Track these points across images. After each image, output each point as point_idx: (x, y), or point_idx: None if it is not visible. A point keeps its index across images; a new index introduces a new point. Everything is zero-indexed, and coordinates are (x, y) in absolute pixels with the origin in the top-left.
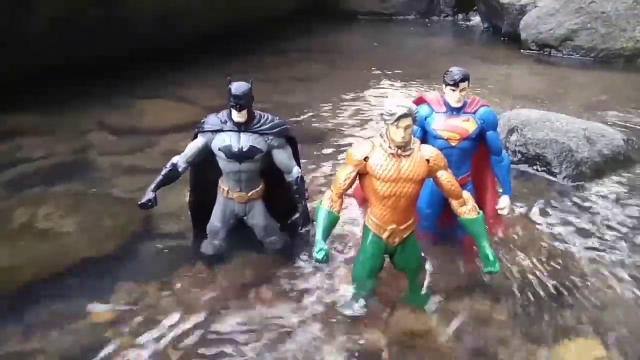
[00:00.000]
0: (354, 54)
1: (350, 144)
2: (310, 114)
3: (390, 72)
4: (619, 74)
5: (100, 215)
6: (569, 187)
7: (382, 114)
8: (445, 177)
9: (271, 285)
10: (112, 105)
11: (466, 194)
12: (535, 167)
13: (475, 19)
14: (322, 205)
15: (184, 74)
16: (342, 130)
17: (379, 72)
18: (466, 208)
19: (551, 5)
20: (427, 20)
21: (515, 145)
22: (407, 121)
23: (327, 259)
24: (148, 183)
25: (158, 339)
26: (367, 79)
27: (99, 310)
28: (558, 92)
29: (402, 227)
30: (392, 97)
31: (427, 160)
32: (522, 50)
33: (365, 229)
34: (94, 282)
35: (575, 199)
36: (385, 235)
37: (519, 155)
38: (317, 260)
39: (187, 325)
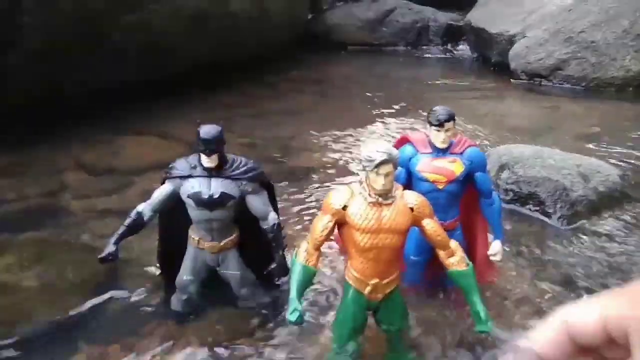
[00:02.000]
0: (344, 84)
1: (335, 183)
2: (297, 148)
3: (380, 103)
4: (611, 104)
5: (64, 266)
6: (564, 228)
7: (360, 160)
8: (431, 226)
9: (246, 344)
10: (91, 142)
11: (454, 244)
12: (528, 207)
13: (465, 49)
14: (296, 259)
15: (169, 108)
16: (330, 166)
17: (369, 103)
18: (454, 259)
19: (540, 35)
20: (416, 50)
21: (507, 183)
22: (388, 168)
23: (301, 320)
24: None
25: None
26: (358, 110)
27: None
28: (550, 123)
29: (385, 281)
30: (370, 142)
31: (411, 209)
32: (512, 80)
33: (346, 283)
34: (53, 344)
35: (571, 240)
36: (367, 291)
37: (511, 194)
38: (290, 322)
39: None
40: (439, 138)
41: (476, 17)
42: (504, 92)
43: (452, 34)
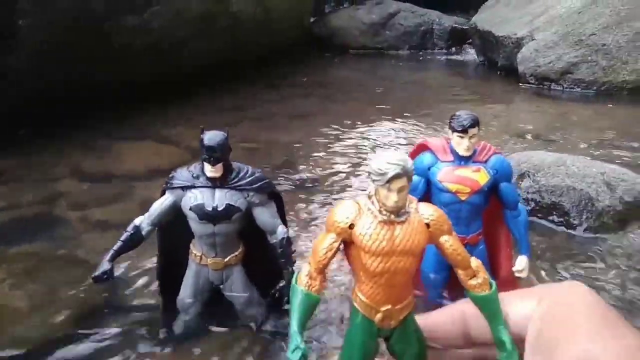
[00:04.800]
0: (349, 88)
1: (344, 191)
2: (303, 153)
3: (385, 107)
4: (623, 108)
5: (57, 283)
6: (590, 241)
7: (369, 173)
8: (450, 243)
9: None
10: (88, 148)
11: (476, 263)
12: (551, 218)
13: (470, 53)
14: (297, 285)
15: (170, 112)
16: (338, 173)
17: (374, 107)
18: (476, 281)
19: (550, 38)
20: (420, 54)
21: (528, 193)
22: (402, 182)
23: (305, 359)
24: (116, 242)
25: None
26: (364, 114)
27: None
28: (561, 128)
29: (398, 306)
30: (381, 153)
31: (427, 225)
32: (520, 84)
33: (353, 309)
34: None
35: (600, 255)
36: (378, 318)
37: (533, 204)
38: None
39: None
40: (462, 145)
41: (482, 20)
42: (511, 97)
43: (457, 38)
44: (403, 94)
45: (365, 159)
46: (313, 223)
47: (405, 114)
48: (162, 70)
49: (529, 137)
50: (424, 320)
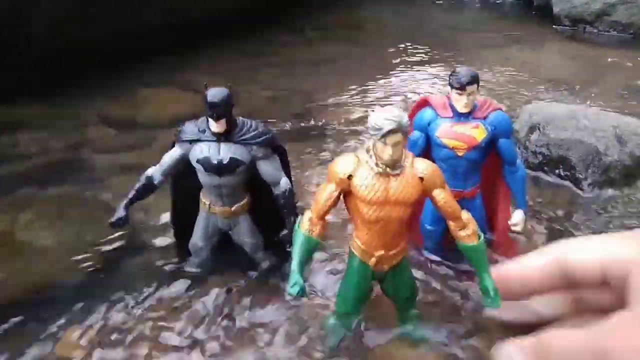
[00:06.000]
0: (377, 30)
1: (358, 142)
2: (321, 102)
3: (414, 51)
4: None
5: (83, 224)
6: (594, 196)
7: (368, 128)
8: (442, 196)
9: (251, 312)
10: (114, 95)
11: (466, 216)
12: (557, 172)
13: None
14: (299, 229)
15: (192, 57)
16: (354, 123)
17: (402, 52)
18: (465, 232)
19: None
20: None
21: (536, 146)
22: (397, 137)
23: (302, 293)
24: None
25: None
26: (390, 59)
27: (70, 333)
28: (592, 74)
29: (391, 252)
30: (379, 109)
31: (421, 178)
32: (554, 26)
33: (350, 253)
34: (68, 303)
35: (602, 208)
36: (372, 262)
37: (540, 157)
38: (291, 295)
39: (160, 352)
40: (460, 102)
41: None
42: (544, 40)
43: None
44: (434, 35)
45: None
46: (325, 174)
47: (435, 58)
48: (181, 12)
49: (556, 84)
50: (510, 269)
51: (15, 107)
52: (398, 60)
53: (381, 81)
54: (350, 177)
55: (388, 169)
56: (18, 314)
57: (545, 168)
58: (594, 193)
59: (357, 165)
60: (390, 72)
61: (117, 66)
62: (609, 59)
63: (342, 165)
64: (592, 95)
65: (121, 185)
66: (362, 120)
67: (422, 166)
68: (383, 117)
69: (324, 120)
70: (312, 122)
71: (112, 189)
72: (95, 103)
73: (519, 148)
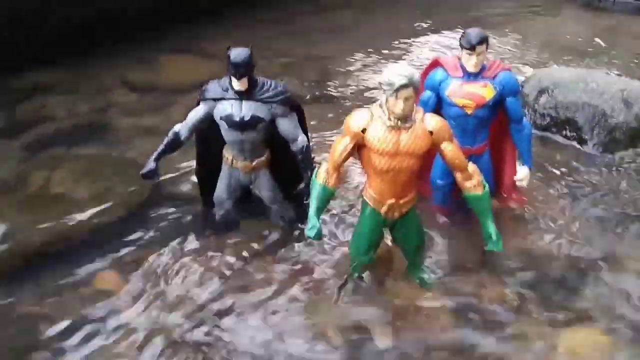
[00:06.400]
0: None
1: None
2: (336, 69)
3: (429, 18)
4: None
5: (112, 179)
6: (598, 156)
7: (380, 83)
8: (450, 149)
9: (274, 256)
10: (136, 61)
11: (472, 167)
12: (564, 133)
13: None
14: (316, 179)
15: (209, 25)
16: (370, 89)
17: (418, 19)
18: (471, 183)
19: None
20: None
21: (545, 108)
22: (408, 92)
23: (319, 236)
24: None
25: (160, 307)
26: (401, 28)
27: (104, 277)
28: (606, 43)
29: (401, 201)
30: (392, 65)
31: (430, 132)
32: None
33: (363, 202)
34: (102, 248)
35: (603, 170)
36: (383, 210)
37: (548, 119)
38: (309, 237)
39: (189, 293)
40: (470, 62)
41: None
42: (559, 8)
43: None
44: (450, 2)
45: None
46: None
47: (450, 26)
48: None
49: (568, 51)
50: None
51: (41, 73)
52: (412, 27)
53: (395, 49)
54: (364, 130)
55: (399, 122)
56: (56, 257)
57: (553, 129)
58: (599, 152)
59: (370, 120)
60: (405, 39)
61: (135, 33)
62: (623, 31)
63: (357, 119)
64: (605, 61)
65: (145, 145)
66: (374, 86)
67: (432, 121)
68: (395, 72)
69: (339, 86)
70: (327, 89)
71: (137, 149)
72: (118, 68)
73: (527, 111)
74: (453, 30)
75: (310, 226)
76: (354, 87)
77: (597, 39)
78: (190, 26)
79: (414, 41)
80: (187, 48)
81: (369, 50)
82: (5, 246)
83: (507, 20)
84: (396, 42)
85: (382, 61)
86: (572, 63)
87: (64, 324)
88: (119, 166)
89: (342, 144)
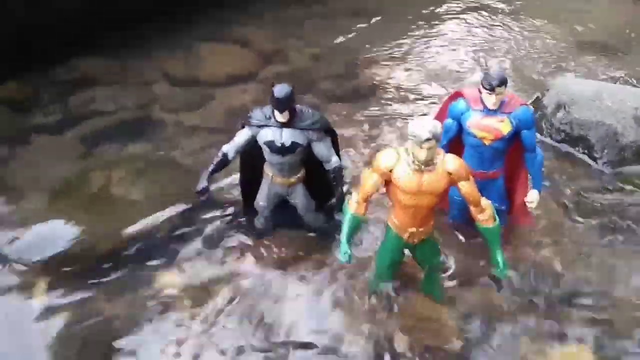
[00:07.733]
0: None
1: (401, 103)
2: (362, 61)
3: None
4: None
5: (164, 181)
6: (607, 174)
7: (408, 134)
8: (466, 187)
9: (306, 262)
10: (174, 51)
11: (485, 202)
12: (577, 149)
13: None
14: (347, 208)
15: (239, 11)
16: (392, 85)
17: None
18: (483, 216)
19: None
20: None
21: (560, 123)
22: (431, 143)
23: (350, 260)
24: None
25: (213, 309)
26: (435, 10)
27: (164, 278)
28: (634, 35)
29: (421, 229)
30: (418, 119)
31: (449, 173)
32: None
33: (388, 226)
34: (159, 250)
35: (609, 188)
36: (405, 236)
37: (562, 135)
38: (341, 262)
39: (238, 297)
40: (490, 100)
41: None
42: None
43: None
44: None
45: (432, 73)
46: (357, 138)
47: (486, 6)
48: None
49: (596, 46)
50: None
51: (87, 61)
52: (442, 13)
53: (428, 33)
54: (391, 170)
55: (422, 167)
56: (119, 258)
57: (567, 144)
58: (608, 170)
59: (397, 161)
60: (436, 26)
61: (172, 22)
62: None
63: (386, 159)
64: (627, 60)
65: (188, 144)
66: (401, 83)
67: (451, 163)
68: (421, 126)
69: (366, 80)
70: (354, 83)
71: (181, 148)
72: (157, 57)
73: (544, 124)
74: (482, 11)
75: (343, 252)
76: (380, 82)
77: (625, 31)
78: (222, 10)
79: (442, 27)
80: (219, 35)
81: (395, 37)
82: (78, 248)
83: (538, 2)
84: (427, 27)
85: (409, 54)
86: (595, 56)
87: (129, 323)
88: (169, 166)
89: (372, 178)
